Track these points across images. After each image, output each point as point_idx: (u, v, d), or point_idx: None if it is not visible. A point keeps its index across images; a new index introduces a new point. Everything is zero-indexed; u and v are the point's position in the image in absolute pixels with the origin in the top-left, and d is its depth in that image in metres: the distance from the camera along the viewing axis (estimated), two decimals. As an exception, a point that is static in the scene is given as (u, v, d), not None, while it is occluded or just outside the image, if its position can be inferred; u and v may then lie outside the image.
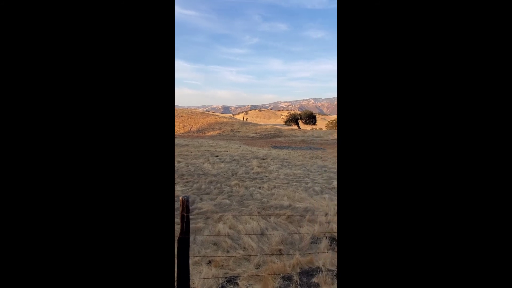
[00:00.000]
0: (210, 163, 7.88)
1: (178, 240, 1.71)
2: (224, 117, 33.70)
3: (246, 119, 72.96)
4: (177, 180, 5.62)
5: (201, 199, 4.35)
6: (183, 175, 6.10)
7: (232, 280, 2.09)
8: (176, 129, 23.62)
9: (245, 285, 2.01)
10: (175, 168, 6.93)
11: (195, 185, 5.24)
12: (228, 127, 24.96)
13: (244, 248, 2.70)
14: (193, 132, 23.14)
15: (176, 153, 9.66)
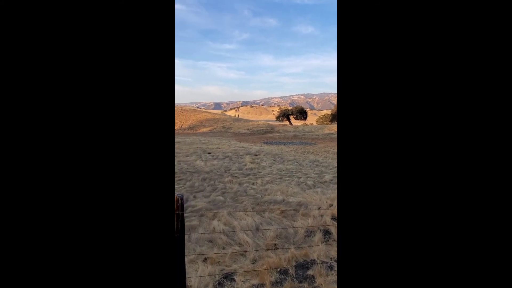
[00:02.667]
0: (202, 160, 7.82)
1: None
2: (216, 113, 33.38)
3: (238, 115, 72.64)
4: (169, 178, 5.56)
5: (194, 196, 4.32)
6: (175, 173, 6.03)
7: (228, 276, 2.10)
8: (166, 126, 23.23)
9: (242, 281, 2.02)
10: (167, 166, 6.83)
11: (188, 183, 5.19)
12: (220, 124, 24.77)
13: (240, 244, 2.71)
14: (184, 129, 22.82)
15: (167, 151, 9.51)
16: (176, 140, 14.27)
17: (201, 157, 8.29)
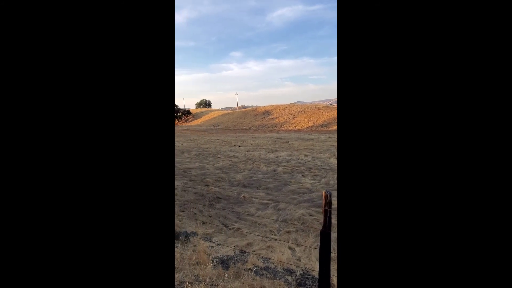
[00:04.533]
0: (336, 158, 7.53)
1: (321, 233, 1.72)
2: (350, 109, 30.92)
3: (377, 111, 62.74)
4: (305, 172, 5.82)
5: (330, 194, 4.24)
6: (310, 168, 6.23)
7: (374, 291, 1.85)
8: (301, 124, 24.62)
9: (394, 304, 1.71)
10: (303, 160, 7.21)
11: (323, 179, 5.19)
12: (355, 121, 22.66)
13: (387, 260, 2.32)
14: (317, 127, 23.11)
15: (302, 147, 10.05)
16: (310, 137, 14.75)
17: (334, 155, 8.01)
